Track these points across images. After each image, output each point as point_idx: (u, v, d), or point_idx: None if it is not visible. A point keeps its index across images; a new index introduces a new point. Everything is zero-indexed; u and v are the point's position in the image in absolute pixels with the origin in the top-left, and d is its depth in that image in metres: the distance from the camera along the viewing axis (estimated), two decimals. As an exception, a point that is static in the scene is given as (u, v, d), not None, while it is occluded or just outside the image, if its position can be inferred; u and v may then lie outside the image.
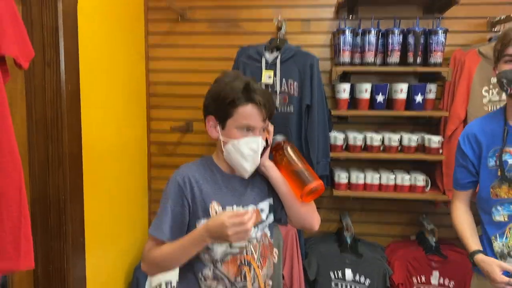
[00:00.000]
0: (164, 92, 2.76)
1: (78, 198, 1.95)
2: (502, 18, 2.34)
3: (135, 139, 2.63)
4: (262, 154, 1.38)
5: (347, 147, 2.45)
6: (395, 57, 2.34)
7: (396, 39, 2.31)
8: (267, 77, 2.32)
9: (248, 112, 1.32)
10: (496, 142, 1.57)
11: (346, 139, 2.43)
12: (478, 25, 2.50)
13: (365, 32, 2.33)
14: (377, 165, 2.60)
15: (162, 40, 2.72)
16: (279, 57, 2.32)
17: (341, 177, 2.44)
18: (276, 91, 2.33)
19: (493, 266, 1.50)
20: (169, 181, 1.35)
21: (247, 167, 1.34)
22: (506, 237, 1.57)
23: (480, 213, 1.66)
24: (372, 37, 2.32)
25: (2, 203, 1.12)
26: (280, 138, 1.44)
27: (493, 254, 1.59)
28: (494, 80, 2.28)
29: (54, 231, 1.88)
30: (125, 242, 2.47)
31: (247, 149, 1.32)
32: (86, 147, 1.97)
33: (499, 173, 1.55)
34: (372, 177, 2.42)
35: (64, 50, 1.81)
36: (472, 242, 1.60)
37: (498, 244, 1.58)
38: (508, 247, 1.56)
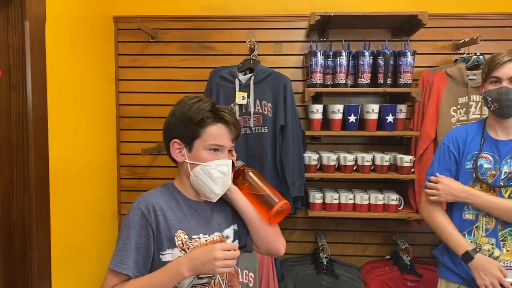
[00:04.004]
0: (134, 113, 2.71)
1: (45, 224, 1.87)
2: (466, 40, 2.42)
3: (104, 162, 2.55)
4: None
5: (321, 168, 2.45)
6: (365, 79, 2.38)
7: (366, 60, 2.36)
8: (240, 98, 2.31)
9: (218, 132, 1.29)
10: (474, 148, 1.75)
11: (320, 159, 2.44)
12: (444, 47, 2.59)
13: (336, 54, 2.37)
14: (351, 185, 2.62)
15: (132, 62, 2.69)
16: (252, 78, 2.33)
17: (316, 197, 2.43)
18: (250, 112, 2.32)
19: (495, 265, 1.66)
20: (131, 210, 1.28)
21: (217, 190, 1.30)
22: (474, 235, 1.75)
23: (452, 213, 1.80)
24: (343, 59, 2.36)
25: None
26: (240, 163, 1.41)
27: None
28: (461, 100, 2.36)
29: (18, 259, 1.79)
30: (94, 270, 2.37)
31: (217, 172, 1.29)
32: (53, 171, 1.90)
33: (474, 175, 1.74)
34: (347, 197, 2.42)
35: (31, 72, 1.75)
36: (467, 242, 1.73)
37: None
38: (476, 243, 1.73)
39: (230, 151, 1.35)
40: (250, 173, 1.39)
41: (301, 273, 2.44)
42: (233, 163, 1.35)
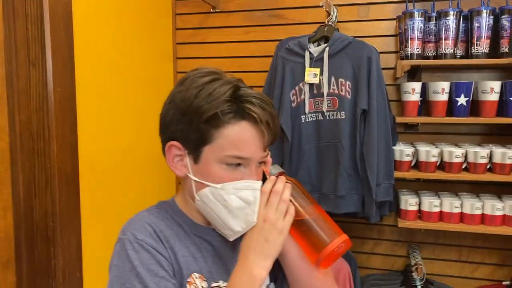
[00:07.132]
0: (195, 96, 2.37)
1: (73, 226, 1.60)
2: None
3: (158, 151, 2.25)
4: None
5: (417, 165, 1.90)
6: (483, 46, 1.77)
7: (484, 22, 1.75)
8: (311, 75, 1.84)
9: (242, 136, 0.83)
10: None
11: (416, 154, 1.89)
12: None
13: (441, 15, 1.79)
14: (458, 188, 2.02)
15: (191, 37, 2.34)
16: (326, 49, 1.84)
17: (410, 203, 1.89)
18: (323, 93, 1.84)
19: None
20: (125, 244, 0.82)
21: (236, 226, 0.84)
22: None
23: None
24: (450, 21, 1.77)
25: None
26: (275, 170, 0.91)
27: None
28: None
29: (42, 266, 1.54)
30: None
31: (236, 200, 0.82)
32: (85, 163, 1.62)
33: None
34: (452, 204, 1.85)
35: (51, 45, 1.47)
36: None
37: None
38: None
39: (261, 162, 0.88)
40: (292, 186, 0.89)
41: (388, 296, 1.94)
42: (264, 176, 0.88)
